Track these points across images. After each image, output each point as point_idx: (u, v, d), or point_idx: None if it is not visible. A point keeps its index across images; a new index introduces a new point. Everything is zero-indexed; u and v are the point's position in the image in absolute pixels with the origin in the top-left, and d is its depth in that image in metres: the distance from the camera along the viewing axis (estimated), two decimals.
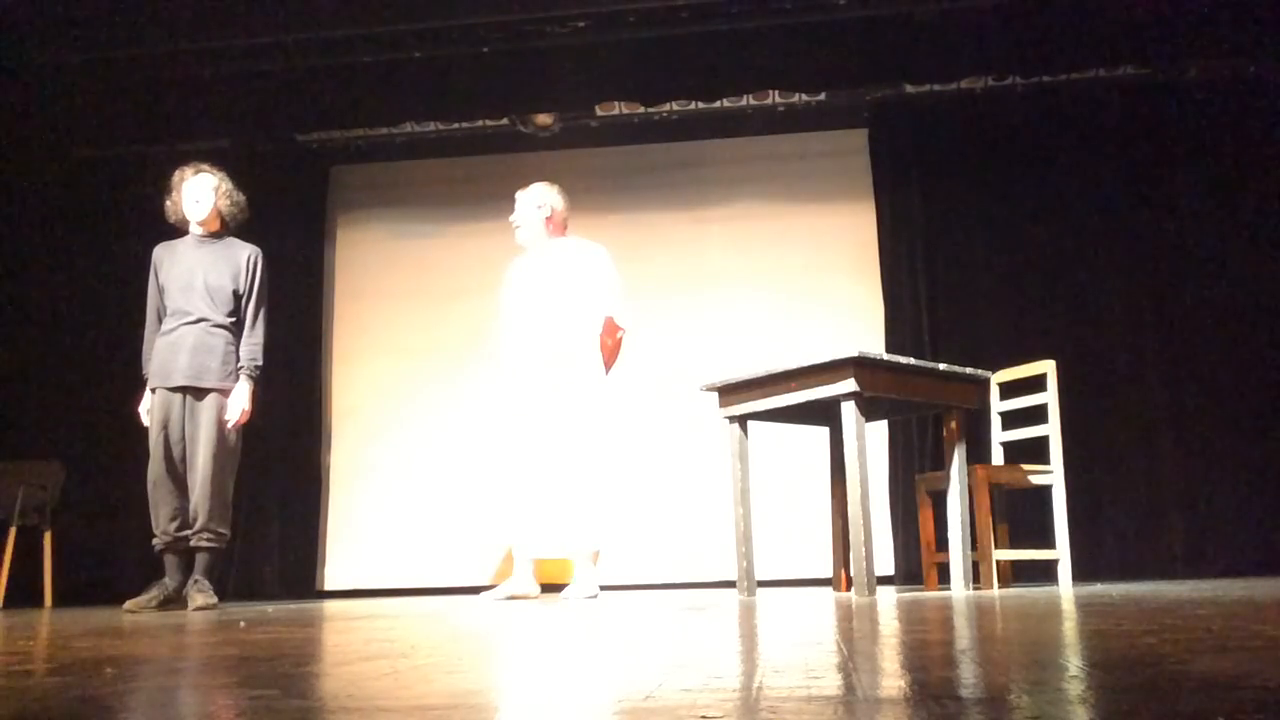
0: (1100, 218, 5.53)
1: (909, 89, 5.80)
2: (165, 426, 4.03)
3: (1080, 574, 4.60)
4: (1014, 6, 4.77)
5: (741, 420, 3.66)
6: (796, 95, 5.84)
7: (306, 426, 5.99)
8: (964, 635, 1.58)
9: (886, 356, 3.35)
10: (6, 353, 5.96)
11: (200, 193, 4.20)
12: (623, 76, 5.19)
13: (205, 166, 4.26)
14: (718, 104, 5.91)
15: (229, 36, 4.95)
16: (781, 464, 5.50)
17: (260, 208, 4.68)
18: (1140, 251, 5.49)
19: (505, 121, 6.00)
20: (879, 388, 3.31)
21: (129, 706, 1.00)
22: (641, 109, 5.89)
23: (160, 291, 4.19)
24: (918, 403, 3.56)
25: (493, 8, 4.83)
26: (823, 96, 5.86)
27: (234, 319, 4.17)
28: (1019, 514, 4.75)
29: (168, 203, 4.26)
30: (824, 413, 3.83)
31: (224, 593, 4.85)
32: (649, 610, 2.79)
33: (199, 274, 4.14)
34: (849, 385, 3.22)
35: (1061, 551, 4.10)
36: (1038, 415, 4.23)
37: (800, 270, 5.83)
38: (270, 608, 4.03)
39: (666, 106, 5.92)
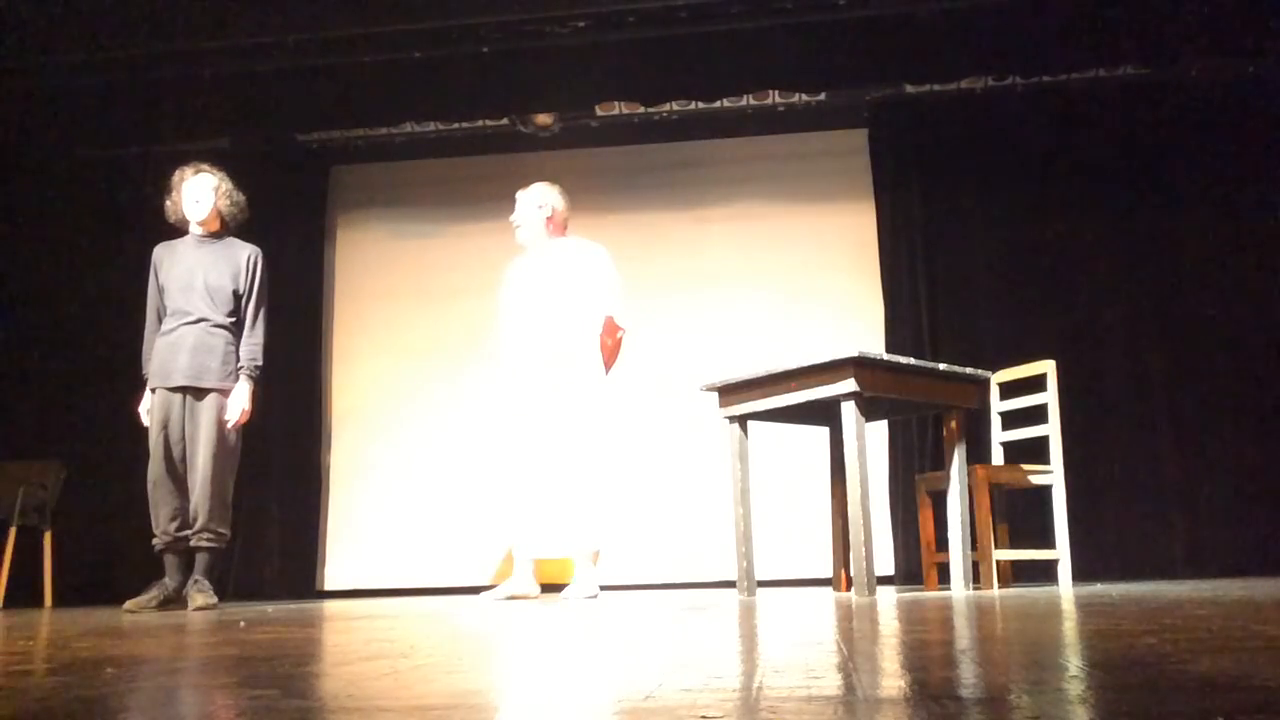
0: (1100, 218, 5.53)
1: (909, 89, 5.80)
2: (165, 426, 4.03)
3: (1080, 574, 4.60)
4: (1014, 6, 4.77)
5: (741, 420, 3.66)
6: (796, 95, 5.84)
7: (306, 426, 5.99)
8: (964, 635, 1.58)
9: (886, 356, 3.35)
10: (6, 353, 5.96)
11: (200, 193, 4.20)
12: (623, 76, 5.18)
13: (205, 166, 4.26)
14: (718, 104, 5.92)
15: (229, 36, 4.95)
16: (781, 464, 5.50)
17: (260, 208, 4.68)
18: (1140, 251, 5.49)
19: (505, 121, 6.00)
20: (879, 388, 3.31)
21: (129, 706, 1.00)
22: (641, 109, 5.89)
23: (160, 291, 4.19)
24: (918, 403, 3.56)
25: (493, 8, 4.83)
26: (823, 96, 5.86)
27: (234, 319, 4.17)
28: (1019, 514, 4.75)
29: (168, 203, 4.26)
30: (824, 413, 3.83)
31: (224, 593, 4.85)
32: (649, 610, 2.79)
33: (199, 274, 4.14)
34: (849, 385, 3.22)
35: (1061, 551, 4.10)
36: (1038, 415, 4.23)
37: (800, 270, 5.83)
38: (270, 608, 4.03)
39: (666, 106, 5.92)
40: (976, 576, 4.08)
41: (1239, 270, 5.36)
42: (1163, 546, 5.20)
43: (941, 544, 4.25)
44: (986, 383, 4.01)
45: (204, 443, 4.00)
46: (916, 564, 5.13)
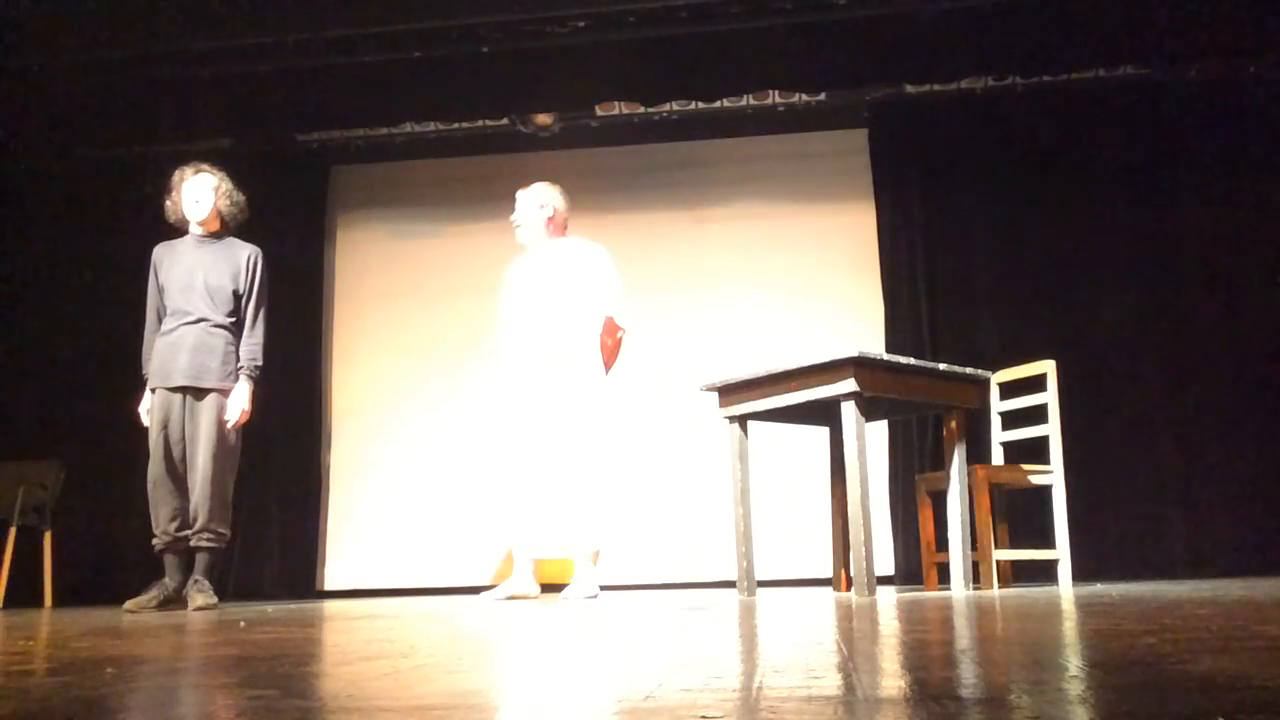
0: (1100, 218, 5.53)
1: (909, 89, 5.80)
2: (165, 426, 4.03)
3: (1080, 574, 4.60)
4: (1014, 6, 4.77)
5: (741, 420, 3.66)
6: (796, 95, 5.84)
7: (306, 426, 5.99)
8: (964, 635, 1.58)
9: (886, 356, 3.35)
10: (6, 353, 5.96)
11: (200, 193, 4.20)
12: (623, 76, 5.19)
13: (205, 166, 4.26)
14: (718, 104, 5.91)
15: (229, 36, 4.95)
16: (781, 464, 5.50)
17: (260, 208, 4.68)
18: (1140, 251, 5.49)
19: (505, 121, 6.00)
20: (879, 388, 3.31)
21: (129, 706, 1.00)
22: (641, 109, 5.89)
23: (160, 291, 4.19)
24: (918, 403, 3.56)
25: (493, 8, 4.83)
26: (823, 96, 5.86)
27: (234, 319, 4.17)
28: (1019, 514, 4.75)
29: (168, 203, 4.26)
30: (824, 413, 3.83)
31: (224, 593, 4.85)
32: (649, 610, 2.79)
33: (199, 274, 4.14)
34: (849, 385, 3.22)
35: (1061, 551, 4.10)
36: (1038, 415, 4.23)
37: (800, 270, 5.83)
38: (270, 608, 4.03)
39: (666, 106, 5.92)
40: (976, 576, 4.08)
41: (1239, 270, 5.36)
42: (1163, 546, 5.20)
43: (941, 544, 4.25)
44: (986, 383, 4.01)
45: (204, 443, 4.00)
46: (916, 564, 5.13)
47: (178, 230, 4.30)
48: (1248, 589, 3.15)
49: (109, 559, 5.68)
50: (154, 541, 4.05)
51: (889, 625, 1.86)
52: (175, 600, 4.02)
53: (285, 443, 5.89)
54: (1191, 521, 5.19)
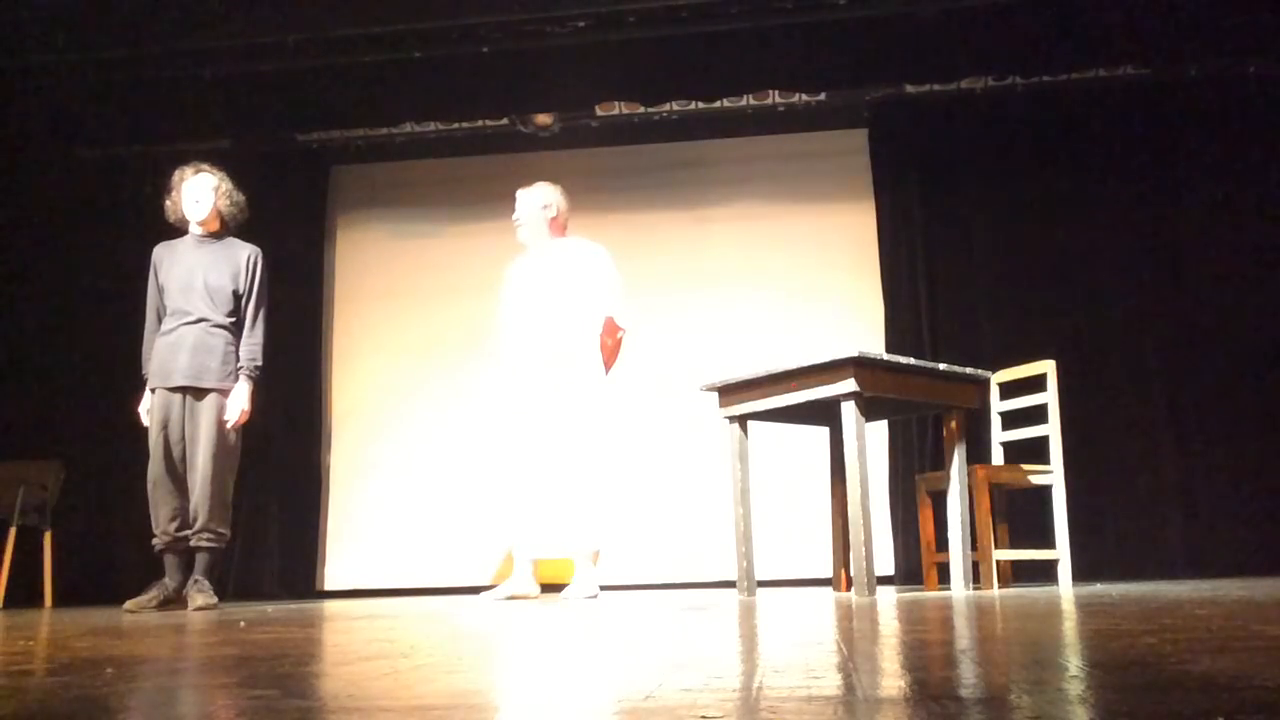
0: (1100, 218, 5.53)
1: (909, 89, 5.80)
2: (165, 426, 4.03)
3: (1080, 574, 4.60)
4: (1014, 6, 4.77)
5: (741, 420, 3.66)
6: (796, 95, 5.84)
7: (306, 426, 5.99)
8: (964, 635, 1.58)
9: (886, 356, 3.35)
10: (6, 353, 5.96)
11: (200, 193, 4.20)
12: (623, 76, 5.19)
13: (205, 166, 4.26)
14: (718, 104, 5.91)
15: (229, 36, 4.95)
16: (781, 464, 5.50)
17: (260, 208, 4.68)
18: (1140, 251, 5.49)
19: (505, 121, 6.00)
20: (879, 388, 3.31)
21: (129, 706, 1.00)
22: (641, 109, 5.89)
23: (160, 291, 4.19)
24: (918, 403, 3.56)
25: (493, 8, 4.83)
26: (823, 96, 5.86)
27: (234, 319, 4.17)
28: (1019, 514, 4.75)
29: (168, 203, 4.26)
30: (824, 413, 3.83)
31: (224, 593, 4.85)
32: (649, 610, 2.79)
33: (199, 274, 4.13)
34: (849, 385, 3.22)
35: (1061, 551, 4.10)
36: (1038, 415, 4.23)
37: (800, 270, 5.84)
38: (270, 608, 4.03)
39: (666, 106, 5.92)
40: (976, 576, 4.08)
41: (1239, 270, 5.36)
42: (1163, 546, 5.20)
43: (941, 544, 4.25)
44: (986, 383, 4.00)
45: (204, 443, 4.00)
46: (916, 564, 5.13)
47: (178, 230, 4.30)
48: (1248, 589, 3.15)
49: (109, 559, 5.68)
50: (154, 541, 4.05)
51: (889, 625, 1.86)
52: (175, 600, 4.02)
53: (285, 443, 5.89)
54: (1191, 521, 5.19)
